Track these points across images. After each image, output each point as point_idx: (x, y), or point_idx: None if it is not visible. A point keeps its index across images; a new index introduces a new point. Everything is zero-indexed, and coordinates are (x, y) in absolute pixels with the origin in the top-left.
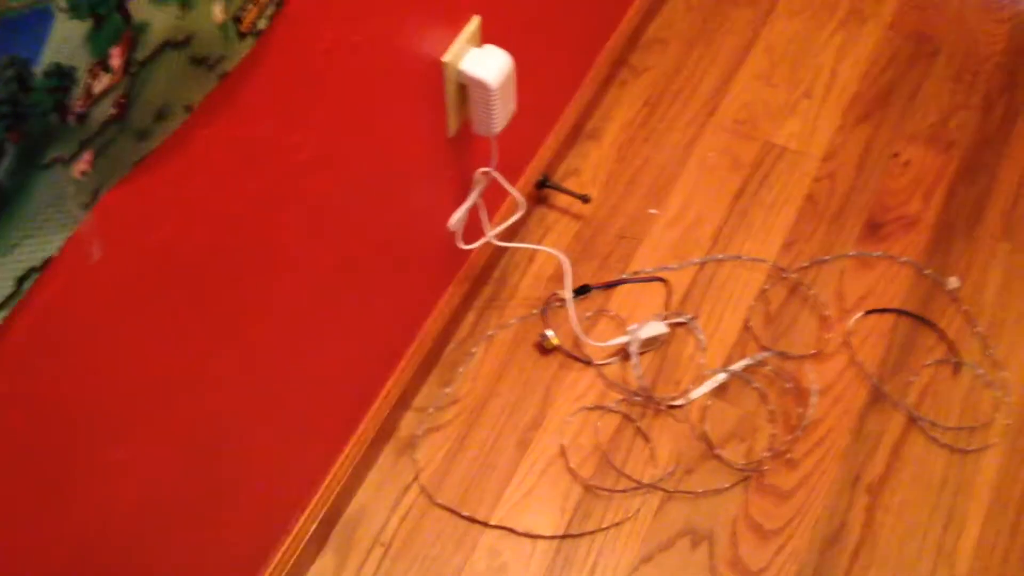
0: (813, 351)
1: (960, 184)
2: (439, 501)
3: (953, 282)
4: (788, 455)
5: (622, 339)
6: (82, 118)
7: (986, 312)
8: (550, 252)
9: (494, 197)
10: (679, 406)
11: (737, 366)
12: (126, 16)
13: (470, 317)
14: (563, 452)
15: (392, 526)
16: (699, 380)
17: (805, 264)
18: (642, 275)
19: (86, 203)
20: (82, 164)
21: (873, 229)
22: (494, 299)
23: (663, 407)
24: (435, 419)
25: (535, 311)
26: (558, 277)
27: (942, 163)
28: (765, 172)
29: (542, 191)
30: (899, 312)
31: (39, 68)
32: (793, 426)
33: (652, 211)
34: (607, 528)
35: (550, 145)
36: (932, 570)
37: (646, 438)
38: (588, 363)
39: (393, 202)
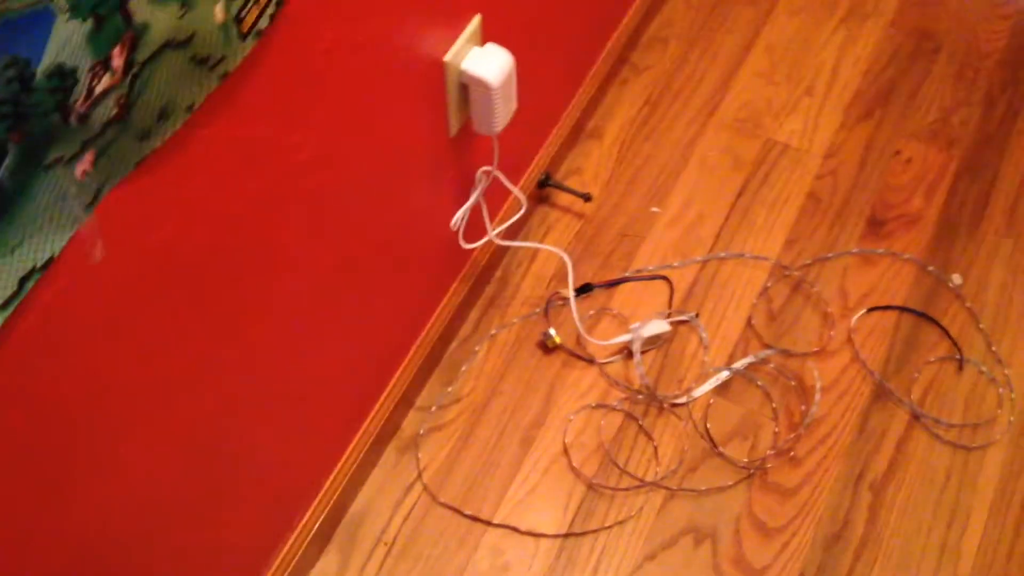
0: (816, 349)
1: (962, 181)
2: (442, 500)
3: (956, 279)
4: (791, 453)
5: (624, 337)
6: (83, 118)
7: (989, 309)
8: (552, 251)
9: (496, 196)
10: (682, 404)
11: (740, 364)
12: (127, 16)
13: (472, 316)
14: (566, 451)
15: (395, 525)
16: (702, 378)
17: (808, 262)
18: (644, 273)
19: (88, 203)
20: (84, 164)
21: (875, 226)
22: (496, 298)
23: (666, 405)
24: (438, 418)
25: (537, 310)
26: (560, 276)
27: (944, 160)
28: (767, 170)
29: (544, 190)
30: (902, 309)
31: (40, 68)
32: (796, 424)
33: (654, 209)
34: (610, 527)
35: (551, 144)
36: (936, 567)
37: (649, 436)
38: (591, 362)
39: (394, 202)
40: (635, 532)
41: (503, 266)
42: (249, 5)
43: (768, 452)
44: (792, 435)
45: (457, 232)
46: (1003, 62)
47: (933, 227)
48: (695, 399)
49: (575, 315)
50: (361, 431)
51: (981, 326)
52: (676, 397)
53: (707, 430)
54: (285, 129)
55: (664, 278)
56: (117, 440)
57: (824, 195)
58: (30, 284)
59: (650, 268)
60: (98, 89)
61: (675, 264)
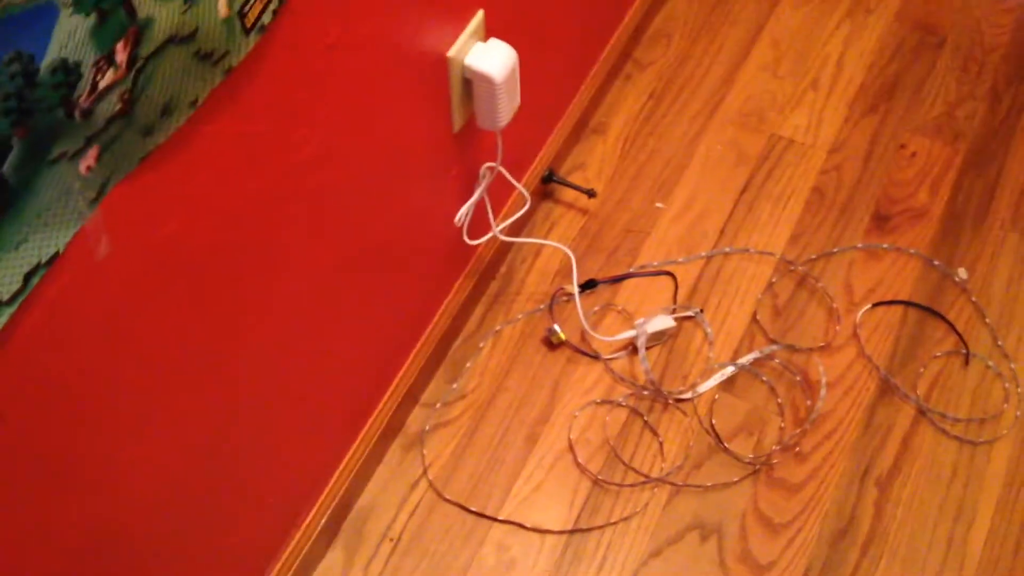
0: (821, 344)
1: (967, 175)
2: (447, 496)
3: (962, 273)
4: (797, 448)
5: (629, 333)
6: (88, 114)
7: (995, 303)
8: (556, 247)
9: (500, 192)
10: (687, 400)
11: (745, 359)
12: (131, 11)
13: (477, 312)
14: (571, 447)
15: (401, 521)
16: (707, 374)
17: (813, 257)
18: (649, 269)
19: (92, 199)
20: (88, 160)
21: (881, 221)
22: (501, 294)
23: (671, 401)
24: (443, 414)
25: (542, 306)
26: (565, 272)
27: (949, 154)
28: (772, 165)
29: (548, 186)
30: (908, 304)
31: (44, 63)
32: (802, 419)
33: (658, 205)
34: (616, 523)
35: (555, 140)
36: (942, 563)
37: (654, 432)
38: (596, 357)
39: (398, 198)
40: (640, 528)
41: (507, 262)
42: (252, 0)
43: (774, 448)
44: (798, 430)
45: (461, 228)
46: (1008, 56)
47: (938, 221)
48: (700, 395)
49: (580, 311)
50: (366, 427)
51: (987, 320)
52: (681, 393)
53: (712, 426)
54: (288, 124)
55: (669, 274)
56: (122, 436)
57: (829, 190)
58: (35, 280)
59: (654, 264)
60: (102, 84)
61: (680, 260)
